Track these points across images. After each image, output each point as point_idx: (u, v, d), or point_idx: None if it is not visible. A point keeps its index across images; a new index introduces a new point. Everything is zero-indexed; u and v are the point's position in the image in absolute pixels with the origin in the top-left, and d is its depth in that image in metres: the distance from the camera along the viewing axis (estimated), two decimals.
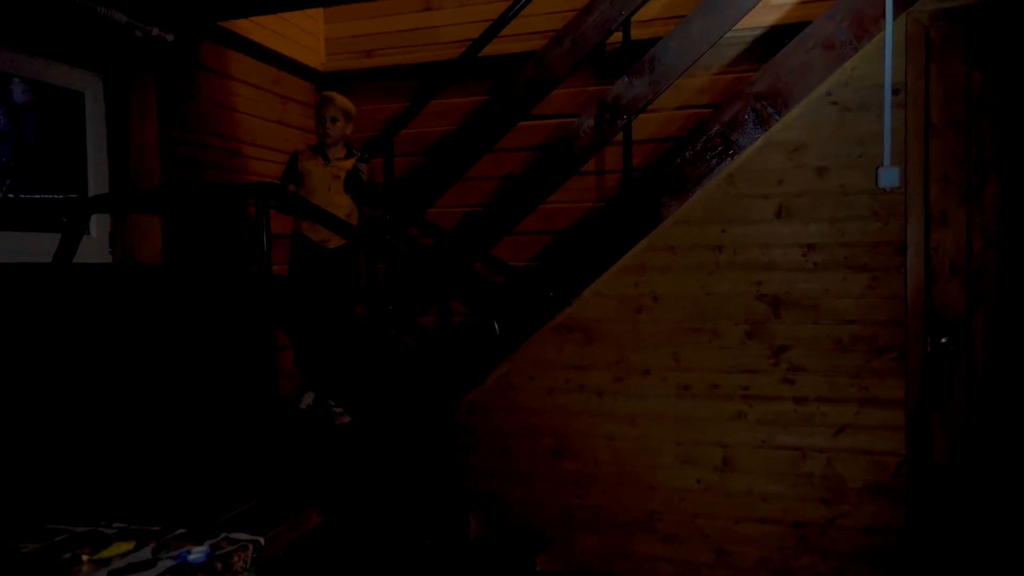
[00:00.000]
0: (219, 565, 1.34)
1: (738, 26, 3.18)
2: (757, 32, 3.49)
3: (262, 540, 1.44)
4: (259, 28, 3.55)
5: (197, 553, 1.35)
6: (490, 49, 3.39)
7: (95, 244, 2.92)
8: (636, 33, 3.31)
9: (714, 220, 2.99)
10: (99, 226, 2.93)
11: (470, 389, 3.23)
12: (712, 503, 3.02)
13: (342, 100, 3.28)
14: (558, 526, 3.20)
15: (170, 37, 2.96)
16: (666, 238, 3.03)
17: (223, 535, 1.45)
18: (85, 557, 1.43)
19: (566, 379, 3.15)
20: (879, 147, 2.80)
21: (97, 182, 2.93)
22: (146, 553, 1.42)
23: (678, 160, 3.01)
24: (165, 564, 1.34)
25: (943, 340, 2.76)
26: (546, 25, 3.52)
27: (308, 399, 3.26)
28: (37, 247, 2.65)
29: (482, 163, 3.58)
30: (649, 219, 3.04)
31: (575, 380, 3.14)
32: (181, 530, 1.51)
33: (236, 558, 1.37)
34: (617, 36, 3.28)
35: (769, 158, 2.93)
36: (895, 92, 2.77)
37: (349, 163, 3.34)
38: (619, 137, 3.25)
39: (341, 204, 3.28)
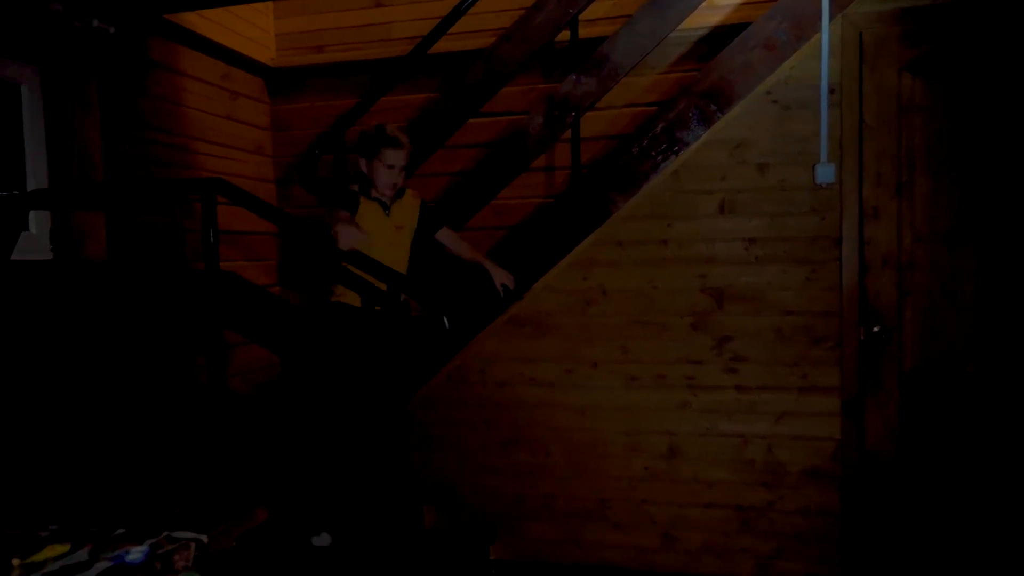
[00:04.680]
0: (159, 565, 1.34)
1: (683, 26, 3.26)
2: (702, 32, 3.58)
3: (205, 538, 1.45)
4: (207, 22, 3.52)
5: (136, 553, 1.35)
6: (441, 46, 3.41)
7: (35, 241, 2.87)
8: (584, 32, 3.36)
9: (660, 215, 3.07)
10: (39, 223, 2.88)
11: (423, 383, 3.27)
12: (660, 490, 3.11)
13: (407, 140, 2.93)
14: (511, 516, 3.25)
15: (112, 29, 2.90)
16: (614, 233, 3.10)
17: (164, 534, 1.45)
18: (16, 561, 1.39)
19: (518, 372, 3.20)
20: (817, 144, 2.90)
21: (36, 178, 2.88)
22: (82, 555, 1.40)
23: (625, 157, 3.08)
24: (102, 566, 1.34)
25: (875, 329, 2.89)
26: (496, 23, 3.55)
27: None
28: None
29: (434, 160, 3.61)
30: (597, 215, 3.11)
31: (526, 373, 3.20)
32: (120, 530, 1.51)
33: (177, 557, 1.37)
34: (565, 35, 3.33)
35: (713, 155, 3.02)
36: (831, 92, 2.87)
37: (410, 207, 3.02)
38: (569, 134, 3.31)
39: (403, 260, 3.02)
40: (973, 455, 2.84)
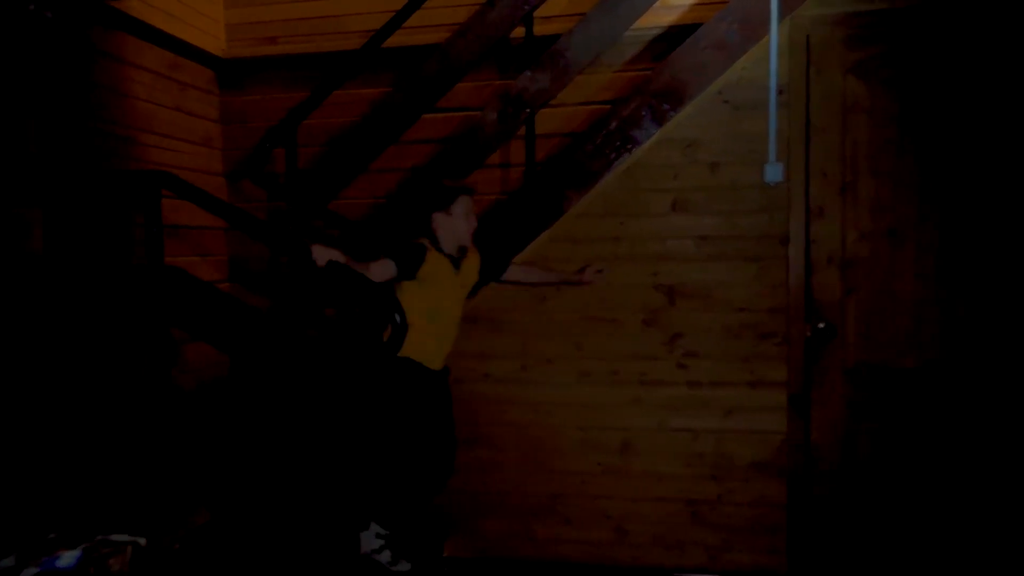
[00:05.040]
0: (92, 569, 1.30)
1: (638, 25, 3.28)
2: (656, 31, 3.60)
3: (143, 540, 1.41)
4: (154, 11, 3.41)
5: (67, 558, 1.30)
6: (395, 40, 3.37)
7: None
8: (539, 29, 3.36)
9: (614, 213, 3.10)
10: None
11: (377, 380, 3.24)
12: (612, 485, 3.14)
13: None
14: (466, 512, 3.25)
15: (49, 14, 2.80)
16: (568, 230, 3.11)
17: (99, 537, 1.40)
18: None
19: (472, 368, 3.20)
20: (767, 144, 2.95)
21: None
22: (9, 561, 1.35)
23: (580, 154, 3.10)
24: (31, 572, 1.29)
25: (820, 325, 2.96)
26: (451, 18, 3.53)
27: None
28: None
29: (389, 155, 3.57)
30: (552, 212, 3.12)
31: (481, 369, 3.20)
32: (52, 535, 1.45)
33: (113, 561, 1.33)
34: (521, 31, 3.33)
35: (665, 153, 3.06)
36: (780, 93, 2.93)
37: (472, 264, 2.81)
38: (523, 131, 3.31)
39: (459, 321, 2.84)
40: (913, 446, 2.93)
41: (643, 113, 3.04)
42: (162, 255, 2.37)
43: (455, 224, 2.71)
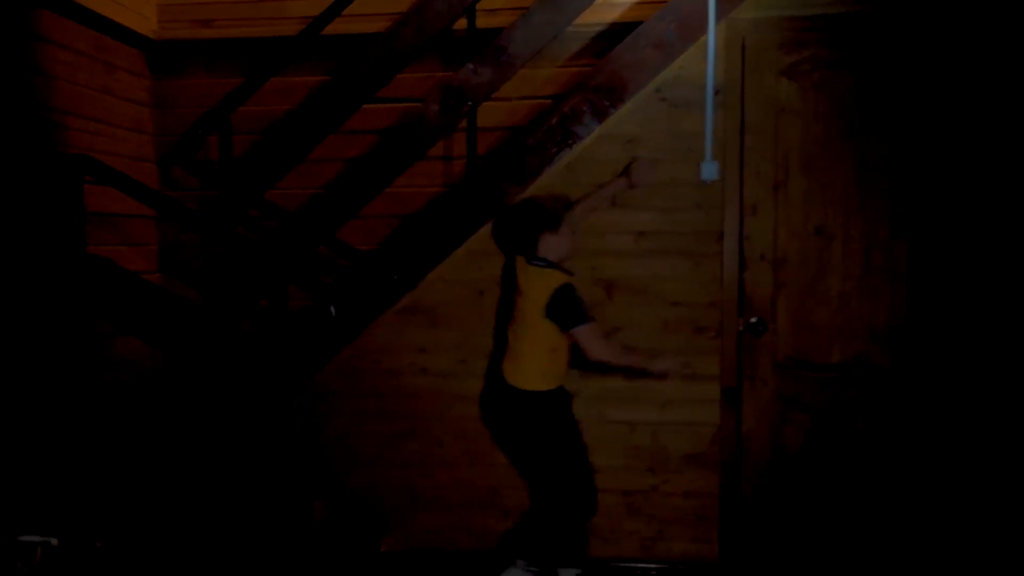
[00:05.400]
0: None
1: (581, 20, 3.30)
2: (599, 28, 3.62)
3: (55, 540, 1.35)
4: None
5: None
6: (336, 28, 3.31)
7: None
8: (483, 21, 3.35)
9: None
10: None
11: (312, 375, 3.18)
12: None
13: None
14: (403, 507, 3.23)
15: None
16: None
17: (7, 538, 1.33)
18: None
19: (411, 362, 3.17)
20: (704, 142, 3.01)
21: None
22: None
23: (521, 148, 3.10)
24: None
25: (752, 320, 3.04)
26: (394, 7, 3.47)
27: None
28: None
29: (330, 145, 3.50)
30: (493, 205, 3.11)
31: (419, 363, 3.18)
32: None
33: (21, 563, 1.27)
34: (464, 23, 3.31)
35: (606, 149, 3.09)
36: (716, 92, 2.99)
37: (548, 283, 2.76)
38: (466, 124, 3.29)
39: None
40: (839, 438, 3.05)
41: (584, 109, 3.07)
42: (84, 243, 2.26)
43: (563, 242, 2.80)
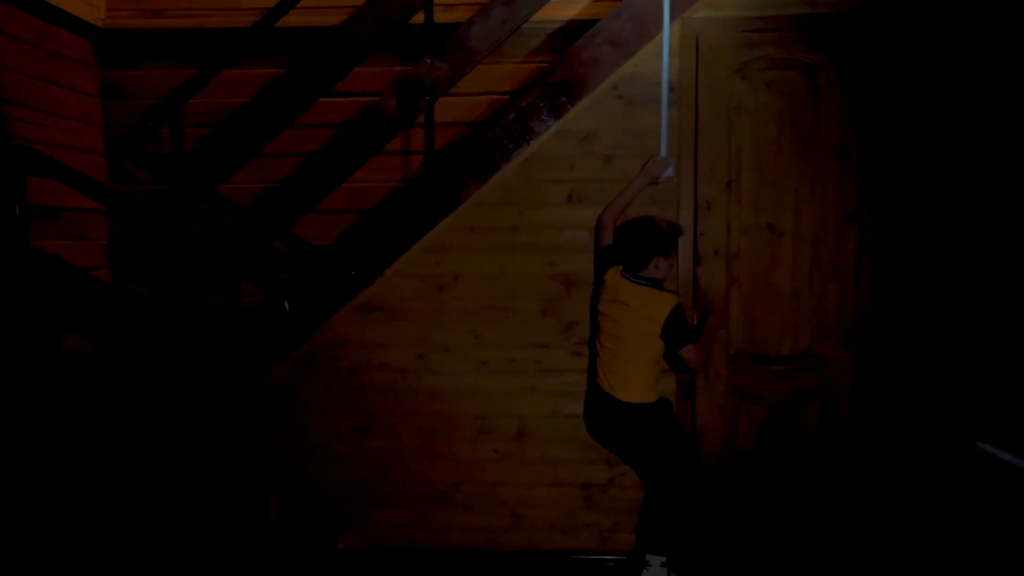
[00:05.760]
0: None
1: (539, 17, 3.32)
2: (557, 24, 3.64)
3: None
4: None
5: None
6: (291, 20, 3.27)
7: None
8: (441, 16, 3.34)
9: (512, 202, 3.12)
10: None
11: (267, 371, 3.14)
12: (509, 471, 3.18)
13: None
14: (361, 504, 3.21)
15: None
16: (467, 219, 3.12)
17: None
18: None
19: (368, 358, 3.16)
20: (659, 139, 3.05)
21: None
22: None
23: (479, 144, 3.11)
24: None
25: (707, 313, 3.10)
26: (350, 0, 3.44)
27: None
28: None
29: (285, 139, 3.46)
30: (451, 200, 3.11)
31: (377, 358, 3.16)
32: None
33: None
34: (422, 17, 3.30)
35: (562, 145, 3.11)
36: (671, 90, 3.03)
37: (663, 306, 2.83)
38: (424, 119, 3.29)
39: None
40: (787, 429, 3.13)
41: (541, 104, 3.09)
42: (27, 238, 2.20)
43: (670, 266, 2.91)
